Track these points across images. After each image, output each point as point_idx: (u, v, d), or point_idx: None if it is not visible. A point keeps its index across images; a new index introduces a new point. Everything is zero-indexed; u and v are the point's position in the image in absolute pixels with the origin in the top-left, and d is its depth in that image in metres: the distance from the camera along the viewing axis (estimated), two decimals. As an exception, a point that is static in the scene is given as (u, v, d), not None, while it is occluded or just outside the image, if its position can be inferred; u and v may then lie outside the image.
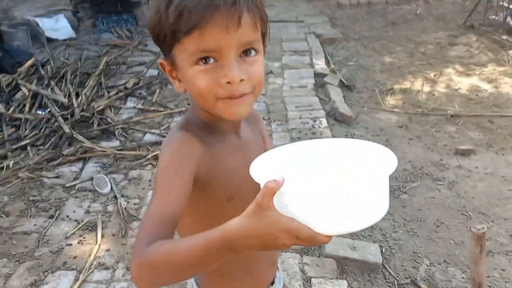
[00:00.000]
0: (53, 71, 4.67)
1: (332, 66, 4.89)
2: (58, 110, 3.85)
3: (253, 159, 0.80)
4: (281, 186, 0.67)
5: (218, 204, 0.94)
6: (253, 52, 0.84)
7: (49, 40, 5.93)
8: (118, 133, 3.62)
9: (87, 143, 3.40)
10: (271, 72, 4.64)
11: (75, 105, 3.89)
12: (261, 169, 0.77)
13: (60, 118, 3.67)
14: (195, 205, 0.94)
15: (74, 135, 3.47)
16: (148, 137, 3.61)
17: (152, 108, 4.04)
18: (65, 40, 5.99)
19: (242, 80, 0.81)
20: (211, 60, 0.80)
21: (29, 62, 4.75)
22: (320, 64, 4.90)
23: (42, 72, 4.62)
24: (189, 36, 0.78)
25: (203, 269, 0.76)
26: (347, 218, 0.70)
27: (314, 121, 3.67)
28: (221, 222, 0.94)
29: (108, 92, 4.29)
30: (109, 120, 3.81)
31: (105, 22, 6.31)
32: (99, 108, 3.92)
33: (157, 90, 4.35)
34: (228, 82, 0.80)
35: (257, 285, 1.07)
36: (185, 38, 0.78)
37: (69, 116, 3.76)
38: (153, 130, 3.68)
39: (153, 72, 4.80)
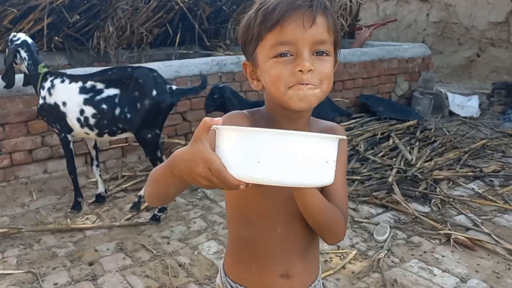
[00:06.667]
0: (425, 135, 4.94)
1: None
2: (399, 164, 4.13)
3: None
4: (215, 123, 0.77)
5: (249, 189, 1.04)
6: (324, 54, 0.95)
7: (452, 114, 6.21)
8: (434, 202, 3.52)
9: (398, 196, 3.52)
10: None
11: (416, 164, 4.04)
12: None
13: (393, 170, 3.93)
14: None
15: (393, 186, 3.65)
16: (460, 218, 3.32)
17: (489, 197, 3.63)
18: (465, 117, 6.09)
19: (310, 70, 0.92)
20: (288, 55, 0.93)
21: (411, 122, 5.22)
22: None
23: (417, 133, 4.99)
24: (272, 31, 0.93)
25: (162, 184, 0.89)
26: (256, 165, 0.75)
27: None
28: (253, 205, 1.04)
29: (460, 168, 4.17)
30: (438, 190, 3.75)
31: (515, 113, 5.95)
32: (438, 177, 3.91)
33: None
34: (300, 70, 0.91)
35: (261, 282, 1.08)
36: (268, 34, 0.93)
37: (402, 172, 3.97)
38: (470, 214, 3.35)
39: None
